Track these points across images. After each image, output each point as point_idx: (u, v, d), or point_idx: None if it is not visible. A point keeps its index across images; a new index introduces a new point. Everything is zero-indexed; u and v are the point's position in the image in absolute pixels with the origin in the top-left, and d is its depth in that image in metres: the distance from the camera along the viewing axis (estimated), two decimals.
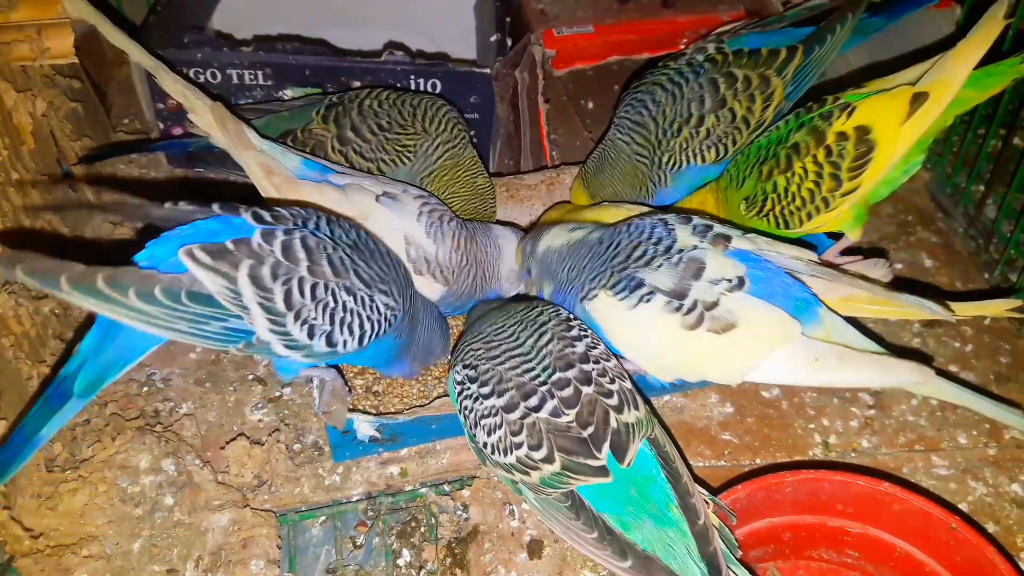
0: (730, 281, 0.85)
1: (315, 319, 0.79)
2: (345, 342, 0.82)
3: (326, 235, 0.82)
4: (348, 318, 0.81)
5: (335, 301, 0.80)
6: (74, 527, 0.89)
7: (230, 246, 0.76)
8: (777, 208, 0.98)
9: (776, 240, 0.91)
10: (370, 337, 0.84)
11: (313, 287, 0.79)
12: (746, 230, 0.92)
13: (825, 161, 0.94)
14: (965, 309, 0.89)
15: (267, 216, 0.80)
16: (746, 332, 0.84)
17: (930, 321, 1.11)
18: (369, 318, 0.83)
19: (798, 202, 0.96)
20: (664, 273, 0.87)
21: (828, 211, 0.95)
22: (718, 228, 0.89)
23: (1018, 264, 1.15)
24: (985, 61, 0.92)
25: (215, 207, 0.80)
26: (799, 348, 0.85)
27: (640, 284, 0.87)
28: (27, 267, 0.70)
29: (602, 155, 1.12)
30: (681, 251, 0.87)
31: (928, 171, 1.34)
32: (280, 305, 0.77)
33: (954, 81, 0.87)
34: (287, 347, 0.80)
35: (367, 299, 0.82)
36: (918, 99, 0.89)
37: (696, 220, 0.91)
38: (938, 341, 1.11)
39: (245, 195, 0.93)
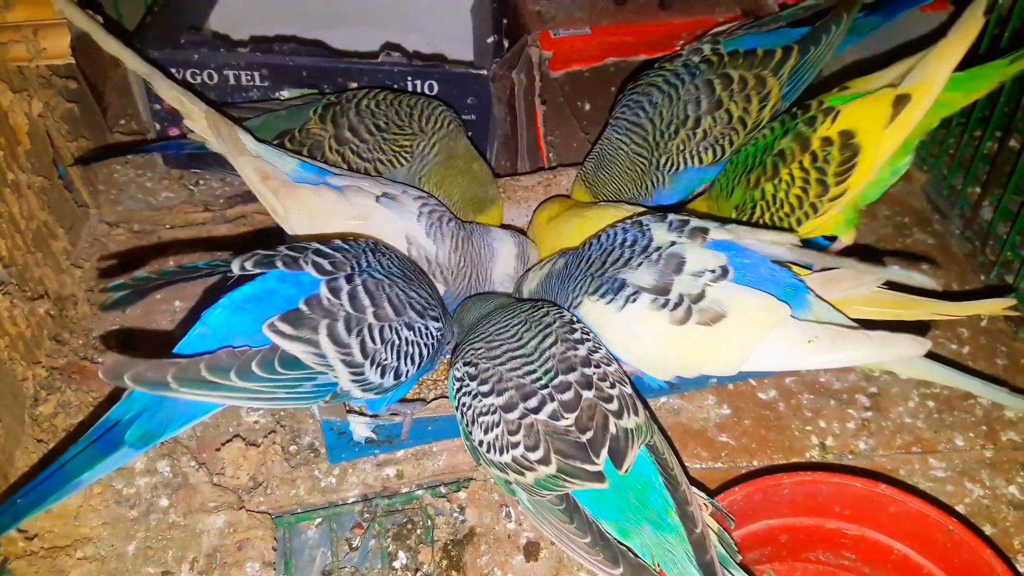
0: (713, 272, 0.85)
1: (386, 360, 0.83)
2: (408, 371, 0.85)
3: (378, 271, 0.85)
4: (410, 350, 0.85)
5: (398, 338, 0.83)
6: (69, 529, 0.89)
7: (304, 309, 0.79)
8: (767, 215, 0.98)
9: (757, 227, 0.90)
10: (427, 359, 0.88)
11: (381, 331, 0.82)
12: (725, 221, 0.91)
13: (811, 167, 0.93)
14: (961, 308, 0.89)
15: (327, 265, 0.82)
16: (736, 320, 0.84)
17: (926, 323, 1.11)
18: (426, 344, 0.87)
19: (787, 208, 0.96)
20: (645, 271, 0.87)
21: (817, 216, 0.95)
22: (695, 222, 0.89)
23: (1014, 266, 1.15)
24: (979, 62, 0.92)
25: (279, 265, 0.81)
26: (792, 331, 0.84)
27: (623, 285, 0.87)
28: (133, 375, 0.73)
29: (600, 153, 1.12)
30: (659, 248, 0.87)
31: (925, 173, 1.34)
32: (358, 356, 0.80)
33: (936, 82, 0.87)
34: (364, 390, 0.83)
35: (423, 328, 0.86)
36: (901, 101, 0.88)
37: (672, 217, 0.91)
38: (935, 343, 1.10)
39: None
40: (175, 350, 0.80)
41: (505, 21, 1.31)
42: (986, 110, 1.20)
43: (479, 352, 0.84)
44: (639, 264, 0.87)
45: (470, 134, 1.18)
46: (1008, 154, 1.18)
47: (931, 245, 1.25)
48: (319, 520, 0.93)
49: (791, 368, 0.86)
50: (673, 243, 0.87)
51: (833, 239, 1.01)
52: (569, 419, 0.77)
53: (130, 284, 0.79)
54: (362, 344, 0.80)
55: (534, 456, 0.76)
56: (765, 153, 0.98)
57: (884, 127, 0.89)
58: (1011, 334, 1.13)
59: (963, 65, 0.89)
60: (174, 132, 1.26)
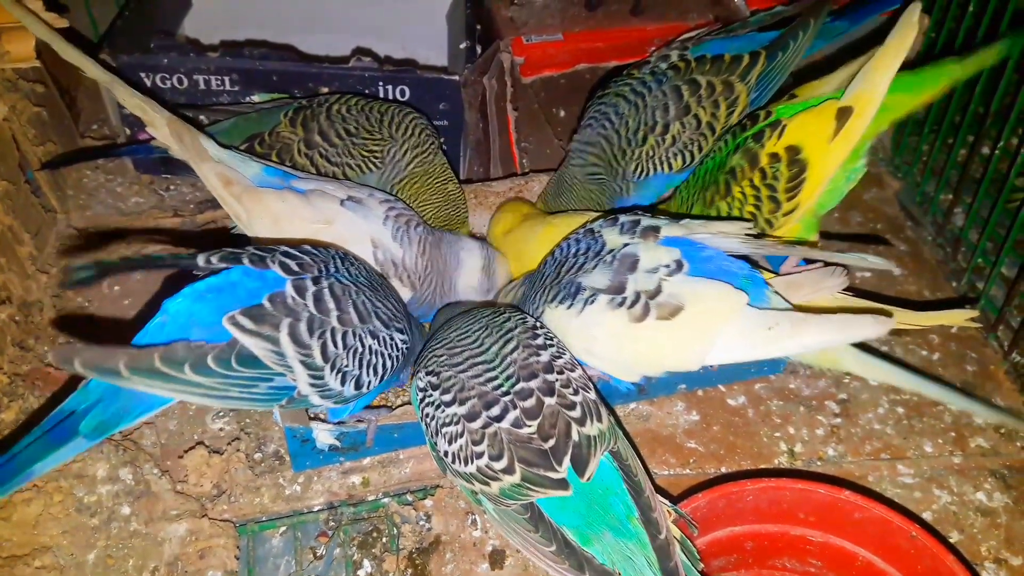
0: (668, 266, 0.84)
1: (347, 366, 0.81)
2: (369, 382, 0.84)
3: (346, 277, 0.84)
4: (373, 359, 0.83)
5: (362, 346, 0.82)
6: (27, 537, 0.88)
7: (268, 306, 0.78)
8: (702, 217, 0.97)
9: (710, 219, 0.90)
10: (389, 373, 0.86)
11: (344, 336, 0.81)
12: (678, 217, 0.91)
13: (761, 184, 0.93)
14: (926, 318, 0.89)
15: (294, 265, 0.81)
16: (694, 311, 0.83)
17: (897, 329, 1.10)
18: (390, 355, 0.85)
19: None
20: (600, 273, 0.86)
21: (773, 231, 0.95)
22: (646, 221, 0.89)
23: (985, 272, 1.15)
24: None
25: (245, 261, 0.80)
26: (751, 320, 0.83)
27: (580, 289, 0.87)
28: (84, 360, 0.71)
29: (559, 182, 1.13)
30: (612, 251, 0.87)
31: (898, 180, 1.35)
32: (318, 359, 0.79)
33: (876, 92, 0.87)
34: (322, 397, 0.82)
35: (387, 339, 0.85)
36: (843, 114, 0.88)
37: (623, 219, 0.90)
38: (905, 349, 1.11)
39: None
40: (135, 340, 0.79)
41: (478, 27, 1.31)
42: (958, 116, 1.21)
43: (440, 359, 0.83)
44: (594, 267, 0.87)
45: (442, 139, 1.17)
46: (979, 160, 1.18)
47: (903, 252, 1.25)
48: (283, 528, 0.92)
49: (754, 357, 0.86)
50: (626, 244, 0.87)
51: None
52: (532, 426, 0.77)
53: (92, 266, 0.78)
54: (323, 347, 0.79)
55: (498, 465, 0.76)
56: (719, 170, 0.98)
57: (829, 140, 0.89)
58: (981, 340, 1.13)
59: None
60: (144, 136, 1.24)
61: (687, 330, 0.84)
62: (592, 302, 0.86)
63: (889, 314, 0.85)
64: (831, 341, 0.84)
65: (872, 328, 0.82)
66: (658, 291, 0.84)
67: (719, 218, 0.94)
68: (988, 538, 0.93)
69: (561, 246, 0.93)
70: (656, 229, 0.87)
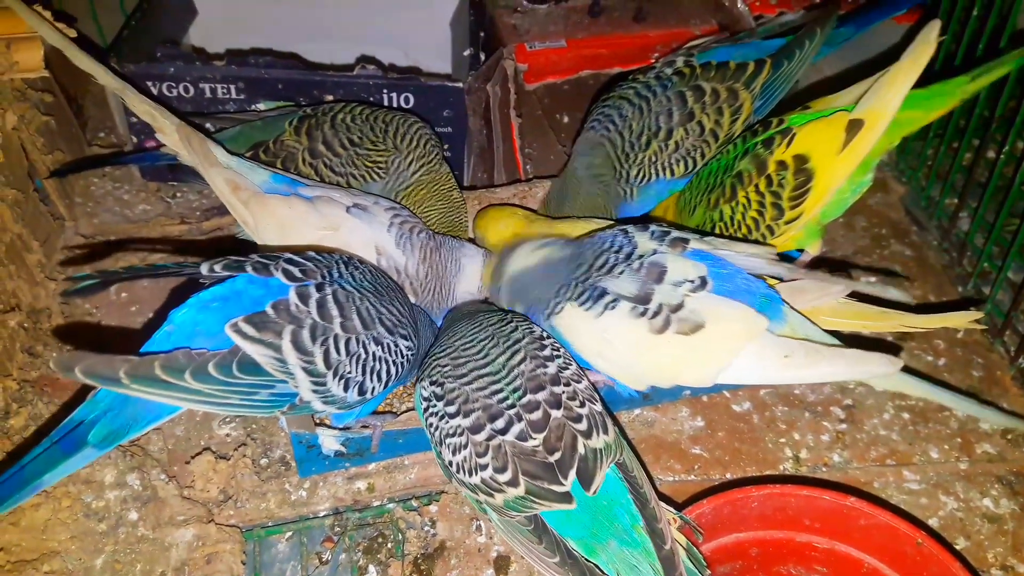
0: (692, 282, 0.85)
1: (350, 373, 0.81)
2: (373, 388, 0.84)
3: (350, 283, 0.84)
4: (377, 366, 0.83)
5: (365, 352, 0.82)
6: (36, 542, 0.88)
7: (271, 312, 0.78)
8: (725, 236, 0.98)
9: (733, 239, 0.90)
10: (394, 379, 0.86)
11: (347, 342, 0.81)
12: (703, 233, 0.92)
13: (766, 191, 0.94)
14: (929, 321, 0.89)
15: (297, 272, 0.82)
16: (714, 330, 0.83)
17: (902, 335, 1.11)
18: (394, 362, 0.85)
19: (744, 230, 0.96)
20: (626, 279, 0.87)
21: (774, 238, 0.96)
22: (675, 232, 0.89)
23: (991, 277, 1.15)
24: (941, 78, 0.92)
25: (249, 269, 0.81)
26: (768, 346, 0.84)
27: (604, 293, 0.87)
28: (84, 368, 0.72)
29: (562, 186, 1.13)
30: (641, 256, 0.87)
31: (903, 184, 1.35)
32: (321, 366, 0.79)
33: (888, 108, 0.87)
34: (325, 403, 0.82)
35: (391, 345, 0.84)
36: (854, 127, 0.88)
37: (653, 226, 0.91)
38: (911, 355, 1.11)
39: None
40: (142, 349, 0.79)
41: (482, 34, 1.31)
42: (963, 120, 1.21)
43: (445, 370, 0.83)
44: (621, 272, 0.87)
45: (446, 147, 1.18)
46: (985, 165, 1.18)
47: (909, 256, 1.25)
48: (289, 534, 0.92)
49: (765, 382, 0.86)
50: (655, 251, 0.88)
51: (800, 251, 1.01)
52: (537, 439, 0.77)
53: (95, 275, 0.78)
54: (326, 354, 0.79)
55: (502, 478, 0.76)
56: (725, 173, 0.98)
57: (837, 152, 0.89)
58: (987, 345, 1.12)
59: (925, 81, 0.90)
60: (151, 144, 1.25)
61: (705, 348, 0.84)
62: (613, 308, 0.86)
63: (898, 350, 0.86)
64: (842, 375, 0.86)
65: (882, 366, 0.84)
66: (681, 306, 0.84)
67: (742, 239, 0.94)
68: (995, 545, 0.92)
69: (600, 236, 0.93)
70: (685, 241, 0.88)
